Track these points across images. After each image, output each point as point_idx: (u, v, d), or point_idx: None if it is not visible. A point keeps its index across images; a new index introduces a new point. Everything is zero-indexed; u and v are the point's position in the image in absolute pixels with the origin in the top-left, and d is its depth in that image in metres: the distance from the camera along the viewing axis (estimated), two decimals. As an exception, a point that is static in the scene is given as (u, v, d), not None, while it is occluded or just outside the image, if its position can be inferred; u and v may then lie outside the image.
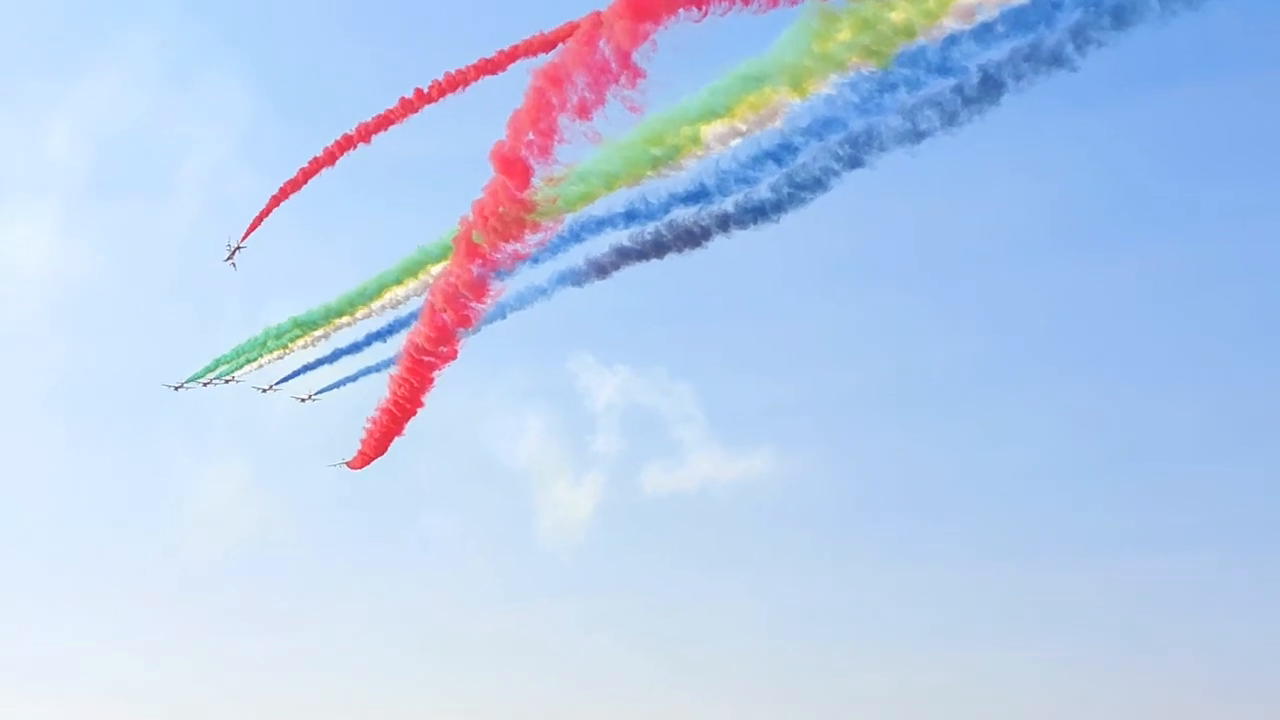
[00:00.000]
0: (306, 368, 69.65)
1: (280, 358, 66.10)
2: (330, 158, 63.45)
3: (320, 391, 78.22)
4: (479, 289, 49.16)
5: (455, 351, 54.14)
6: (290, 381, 78.63)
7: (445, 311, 50.39)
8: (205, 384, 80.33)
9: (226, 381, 78.20)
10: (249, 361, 67.04)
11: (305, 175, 68.64)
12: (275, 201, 70.40)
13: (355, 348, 64.51)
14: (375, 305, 60.27)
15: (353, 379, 77.24)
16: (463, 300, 49.79)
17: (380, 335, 63.37)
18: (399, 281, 57.36)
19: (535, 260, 49.56)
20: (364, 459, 67.29)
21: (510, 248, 46.94)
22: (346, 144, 61.76)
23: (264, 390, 77.97)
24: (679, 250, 47.44)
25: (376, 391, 64.12)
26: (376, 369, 68.20)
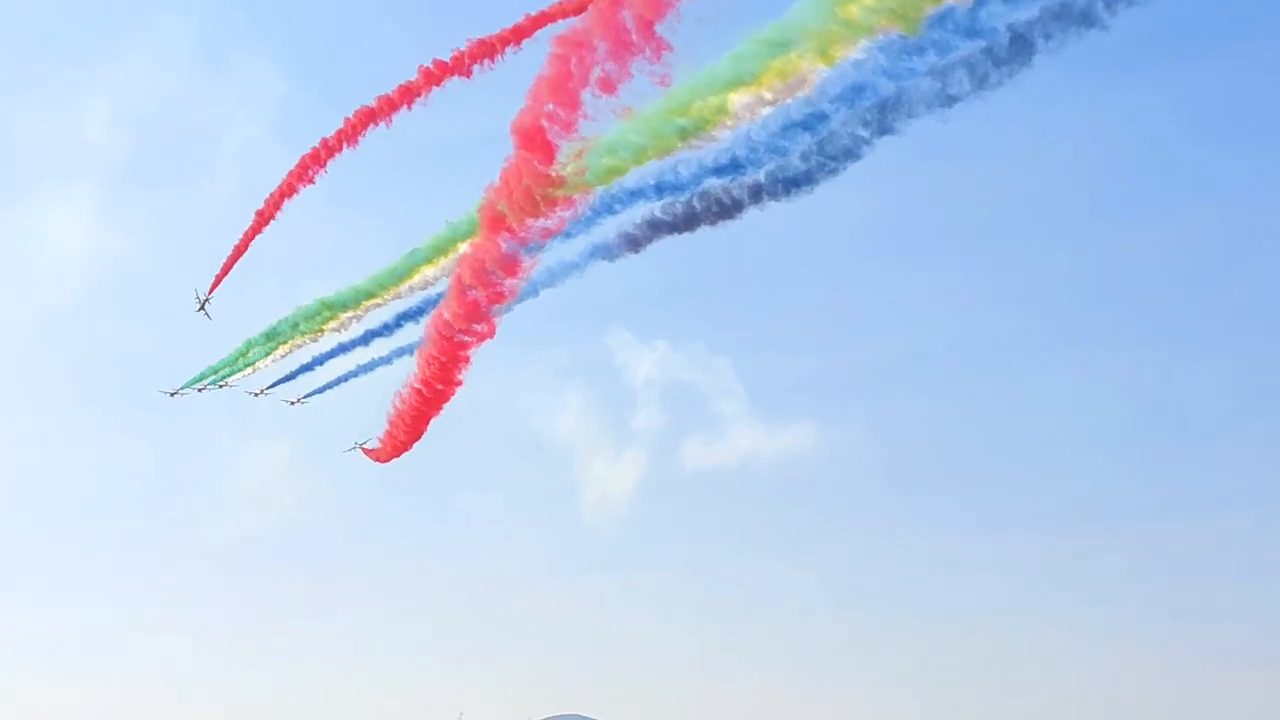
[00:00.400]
0: (304, 368, 68.55)
1: (314, 339, 64.72)
2: (288, 191, 63.23)
3: (309, 395, 79.67)
4: (508, 265, 48.17)
5: (493, 329, 52.72)
6: (280, 386, 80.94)
7: (475, 289, 49.29)
8: (200, 389, 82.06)
9: (220, 386, 79.92)
10: (281, 345, 65.49)
11: (272, 207, 69.25)
12: (246, 242, 72.90)
13: (386, 329, 63.11)
14: (405, 286, 58.82)
15: (343, 379, 78.18)
16: (492, 277, 48.78)
17: (412, 315, 62.01)
18: (429, 260, 55.82)
19: (567, 235, 48.58)
20: (396, 447, 65.35)
21: (538, 223, 46.01)
22: (340, 142, 60.49)
23: (255, 394, 79.66)
24: (711, 222, 46.51)
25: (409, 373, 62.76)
26: (369, 367, 67.05)
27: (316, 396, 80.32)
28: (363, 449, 72.24)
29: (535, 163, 43.48)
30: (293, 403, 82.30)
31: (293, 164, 60.65)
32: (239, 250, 72.13)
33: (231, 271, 79.61)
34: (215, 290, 75.22)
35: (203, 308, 75.63)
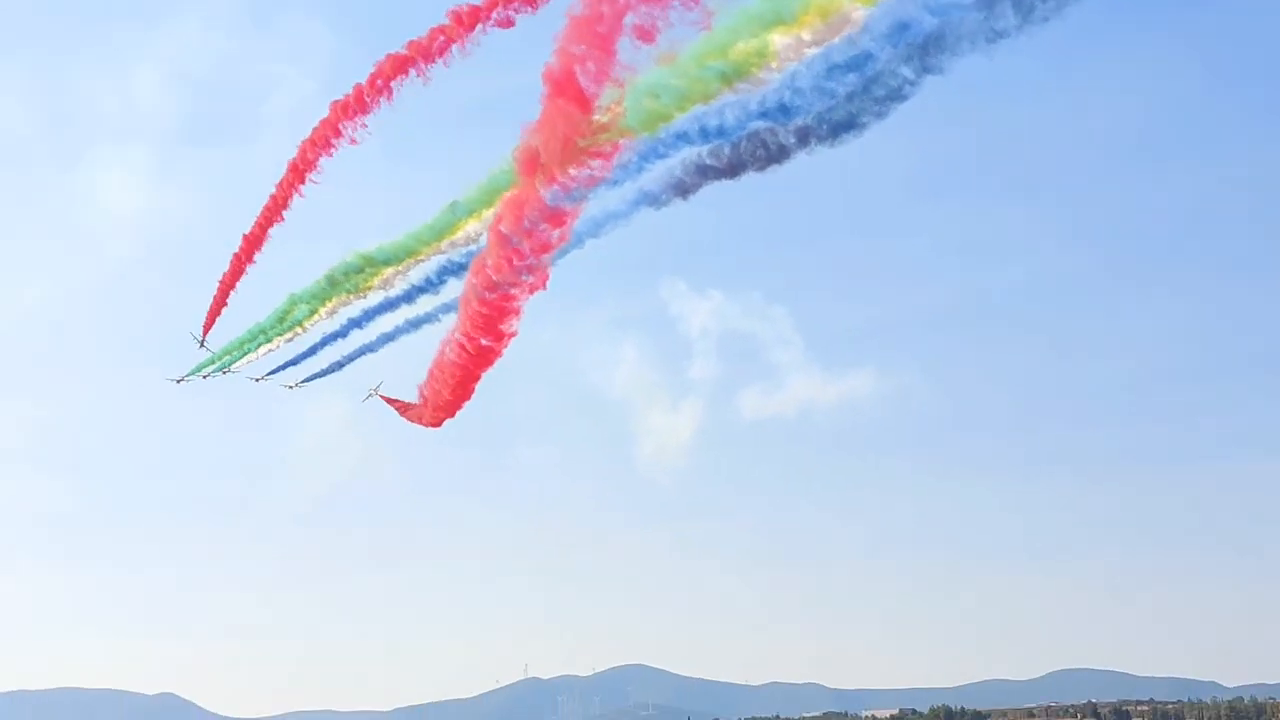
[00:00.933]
0: (353, 323, 67.38)
1: (361, 297, 63.60)
2: (274, 213, 62.63)
3: (306, 380, 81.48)
4: (550, 215, 47.34)
5: (543, 279, 51.70)
6: (280, 373, 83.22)
7: (517, 239, 48.37)
8: (204, 376, 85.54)
9: (224, 373, 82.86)
10: (325, 303, 64.39)
11: (250, 246, 69.02)
12: (229, 284, 74.53)
13: (430, 285, 61.71)
14: (447, 241, 57.46)
15: (339, 366, 78.95)
16: (534, 227, 47.92)
17: (455, 270, 60.53)
18: (472, 213, 54.64)
19: (613, 183, 47.70)
20: (443, 408, 64.34)
21: (579, 171, 45.19)
22: (373, 93, 59.21)
23: (257, 380, 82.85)
24: (760, 168, 45.74)
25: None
26: (416, 324, 65.96)
27: (317, 380, 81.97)
28: (382, 397, 72.12)
29: (571, 110, 42.73)
30: (291, 387, 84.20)
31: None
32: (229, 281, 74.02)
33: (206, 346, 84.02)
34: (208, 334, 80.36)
35: (204, 345, 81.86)
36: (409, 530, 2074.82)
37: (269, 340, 69.85)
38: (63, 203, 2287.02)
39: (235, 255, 67.75)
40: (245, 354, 71.82)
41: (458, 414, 64.62)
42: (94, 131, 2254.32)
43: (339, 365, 79.21)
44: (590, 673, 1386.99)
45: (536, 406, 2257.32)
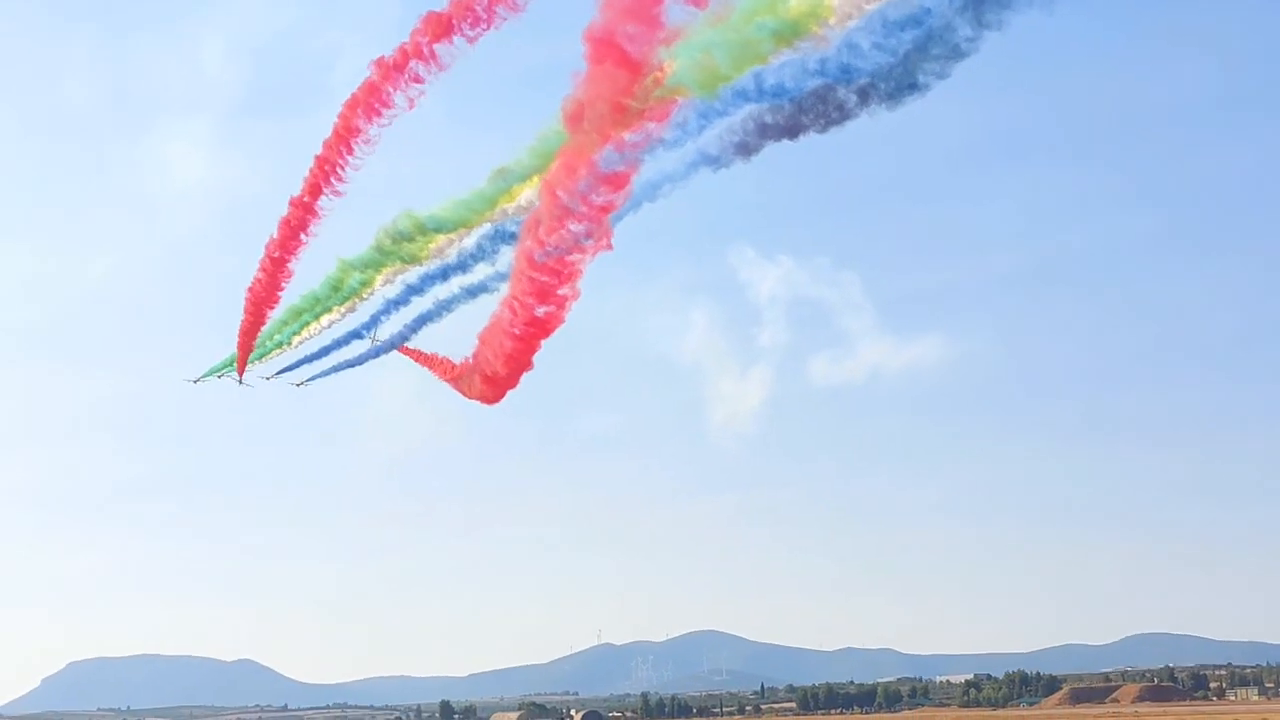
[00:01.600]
0: (411, 289, 64.82)
1: (417, 265, 61.18)
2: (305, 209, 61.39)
3: (312, 379, 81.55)
4: (604, 178, 45.79)
5: (606, 241, 49.65)
6: (289, 373, 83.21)
7: (574, 203, 46.77)
8: (220, 377, 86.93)
9: (236, 379, 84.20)
10: (379, 271, 62.13)
11: (300, 215, 67.70)
12: (248, 337, 74.34)
13: (484, 253, 59.65)
14: (498, 209, 55.42)
15: (351, 365, 78.02)
16: (589, 191, 46.35)
17: (507, 238, 58.34)
18: (525, 179, 52.76)
19: (669, 144, 46.11)
20: (500, 383, 61.59)
21: (631, 133, 43.71)
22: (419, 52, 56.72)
23: (268, 379, 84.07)
24: (821, 129, 44.15)
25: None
26: (473, 292, 63.27)
27: (322, 379, 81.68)
28: (416, 356, 70.24)
29: (617, 72, 41.34)
30: (299, 385, 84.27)
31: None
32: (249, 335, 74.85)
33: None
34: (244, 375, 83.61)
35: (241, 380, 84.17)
36: (482, 499, 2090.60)
37: (328, 310, 67.69)
38: (129, 175, 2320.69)
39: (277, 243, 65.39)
40: (304, 324, 69.69)
41: (516, 386, 61.64)
42: (159, 104, 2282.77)
43: (350, 364, 78.50)
44: (664, 639, 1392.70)
45: (605, 375, 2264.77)
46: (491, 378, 60.08)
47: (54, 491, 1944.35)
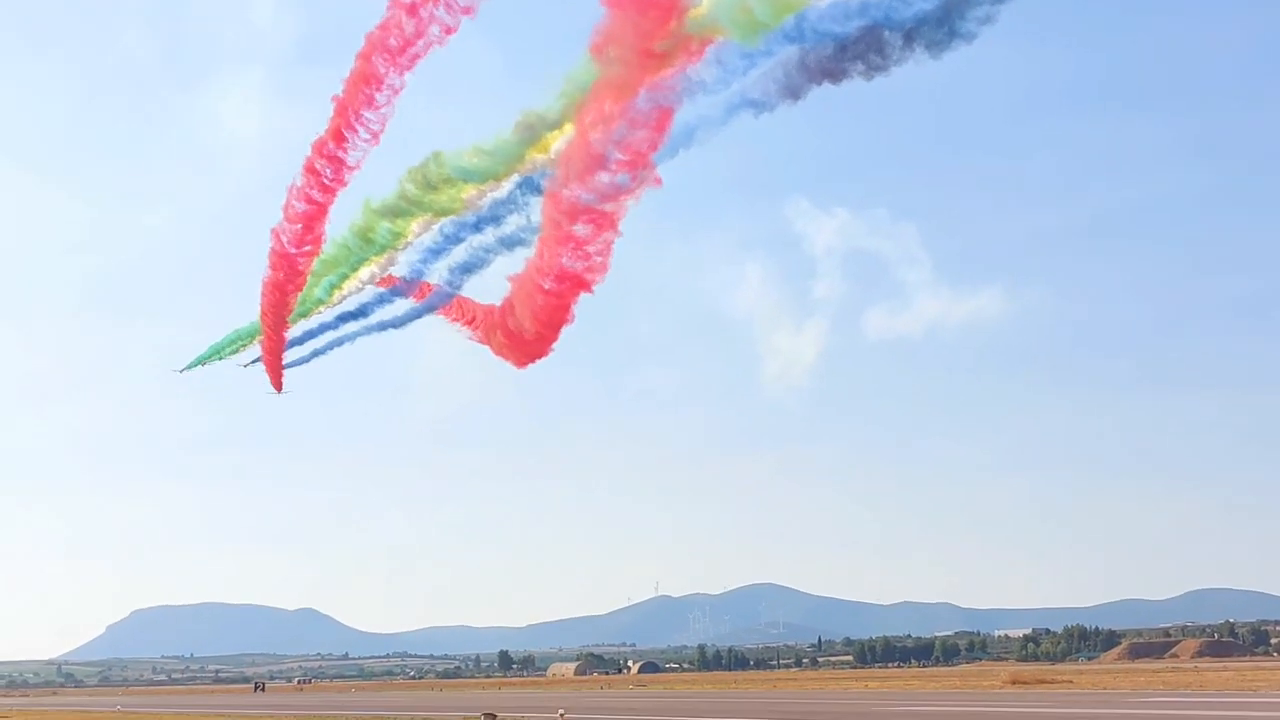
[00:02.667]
0: (448, 240, 61.01)
1: (453, 217, 58.21)
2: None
3: (289, 366, 78.73)
4: (638, 121, 44.37)
5: (653, 177, 47.47)
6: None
7: (606, 149, 45.30)
8: (205, 365, 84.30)
9: (221, 358, 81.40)
10: (412, 219, 59.19)
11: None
12: (275, 345, 70.81)
13: (514, 205, 56.73)
14: (528, 157, 52.71)
15: (322, 351, 75.31)
16: (623, 137, 44.94)
17: (535, 188, 55.51)
18: (554, 125, 50.52)
19: (706, 88, 44.64)
20: (529, 345, 56.25)
21: (665, 76, 42.33)
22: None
23: (245, 366, 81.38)
24: (867, 75, 42.57)
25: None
26: (510, 242, 59.45)
27: (298, 366, 79.19)
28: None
29: (645, 13, 39.96)
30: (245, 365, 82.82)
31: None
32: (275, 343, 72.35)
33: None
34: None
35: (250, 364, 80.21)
36: (539, 453, 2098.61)
37: (364, 262, 63.93)
38: (184, 127, 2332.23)
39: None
40: (344, 277, 65.87)
41: (550, 349, 57.88)
42: (213, 56, 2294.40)
43: (324, 350, 75.85)
44: (721, 591, 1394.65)
45: (660, 328, 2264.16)
46: (520, 339, 56.95)
47: (118, 444, 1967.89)
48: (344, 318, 68.42)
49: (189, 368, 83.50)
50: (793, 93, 43.44)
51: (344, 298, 66.41)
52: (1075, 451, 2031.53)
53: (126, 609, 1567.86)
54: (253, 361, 77.76)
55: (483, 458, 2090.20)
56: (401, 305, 66.64)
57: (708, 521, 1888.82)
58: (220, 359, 79.65)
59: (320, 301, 66.55)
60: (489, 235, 56.86)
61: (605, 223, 47.64)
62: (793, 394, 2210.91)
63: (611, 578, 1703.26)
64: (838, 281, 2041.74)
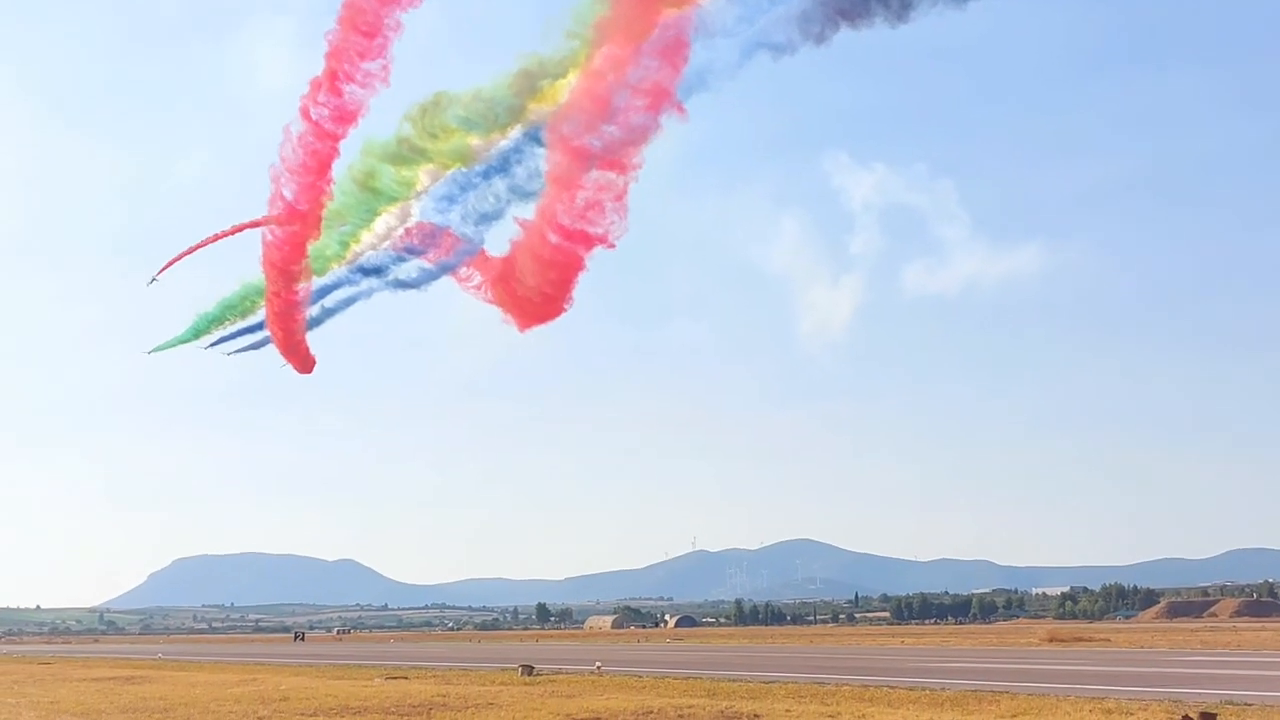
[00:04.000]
0: (464, 188, 55.03)
1: (463, 167, 53.00)
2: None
3: (241, 350, 73.99)
4: (652, 58, 42.55)
5: (674, 104, 44.28)
6: (231, 341, 74.28)
7: (619, 87, 43.25)
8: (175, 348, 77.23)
9: (196, 338, 74.32)
10: (421, 165, 54.32)
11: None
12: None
13: (521, 155, 51.62)
14: (532, 107, 48.69)
15: (335, 310, 68.98)
16: (634, 78, 42.89)
17: (537, 139, 50.63)
18: (555, 75, 47.06)
19: (722, 32, 42.85)
20: (535, 308, 51.20)
21: (676, 15, 40.86)
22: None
23: (205, 348, 75.03)
24: (889, 19, 41.25)
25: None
26: (526, 194, 53.69)
27: (250, 351, 74.00)
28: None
29: None
30: (229, 354, 77.17)
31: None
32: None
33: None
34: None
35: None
36: (572, 405, 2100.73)
37: (375, 214, 58.25)
38: (215, 76, 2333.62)
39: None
40: (358, 229, 59.84)
41: (561, 310, 51.38)
42: (244, 4, 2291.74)
43: (339, 309, 69.35)
44: (758, 546, 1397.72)
45: (693, 282, 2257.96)
46: (527, 300, 51.53)
47: (159, 394, 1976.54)
48: (362, 272, 62.59)
49: (160, 349, 77.03)
50: (813, 35, 41.88)
51: (359, 254, 60.46)
52: (1116, 410, 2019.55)
53: (168, 558, 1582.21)
54: (246, 348, 72.16)
55: (522, 411, 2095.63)
56: (421, 263, 60.97)
57: (745, 477, 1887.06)
58: (198, 337, 73.05)
59: (335, 258, 60.76)
60: (500, 185, 51.70)
61: (620, 168, 44.53)
62: (828, 350, 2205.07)
63: (648, 532, 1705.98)
64: (875, 237, 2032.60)
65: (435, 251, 58.77)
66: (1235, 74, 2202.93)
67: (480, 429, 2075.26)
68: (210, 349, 75.23)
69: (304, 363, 70.04)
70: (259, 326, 70.96)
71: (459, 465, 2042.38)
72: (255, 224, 59.98)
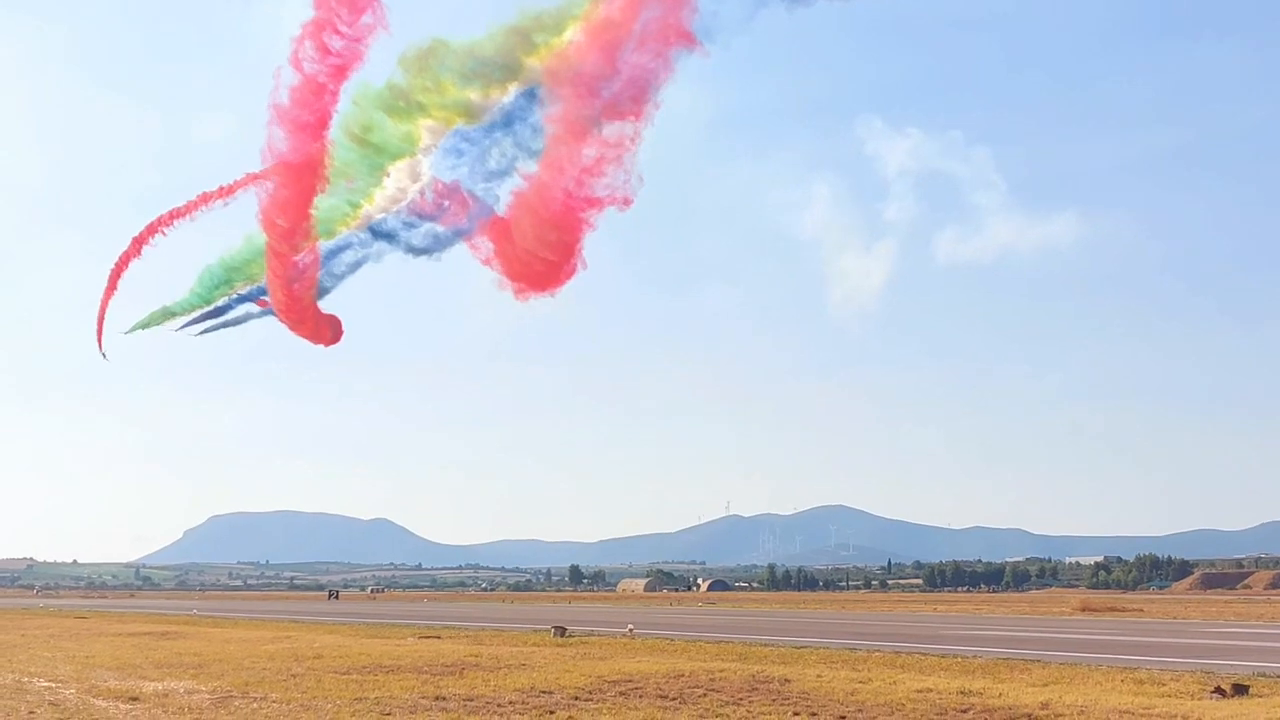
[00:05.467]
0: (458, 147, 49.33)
1: (466, 124, 47.39)
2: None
3: (206, 330, 67.31)
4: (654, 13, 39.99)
5: (691, 43, 40.78)
6: (194, 325, 67.33)
7: (621, 50, 40.74)
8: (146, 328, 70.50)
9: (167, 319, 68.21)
10: (424, 119, 48.76)
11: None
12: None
13: (522, 113, 46.55)
14: (528, 69, 44.54)
15: (238, 322, 64.33)
16: (641, 32, 40.33)
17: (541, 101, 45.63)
18: (558, 32, 43.46)
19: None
20: (543, 273, 46.49)
21: None
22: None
23: (175, 330, 68.51)
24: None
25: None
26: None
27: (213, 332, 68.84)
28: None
29: None
30: (195, 335, 70.73)
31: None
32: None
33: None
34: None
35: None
36: (604, 369, 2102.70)
37: (384, 170, 51.62)
38: (241, 36, 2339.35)
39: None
40: (369, 187, 52.67)
41: (562, 282, 46.88)
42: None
43: (239, 319, 64.34)
44: (791, 512, 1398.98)
45: (725, 248, 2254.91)
46: (528, 267, 46.81)
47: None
48: (374, 235, 54.99)
49: (135, 329, 70.65)
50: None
51: (371, 216, 52.64)
52: (1151, 380, 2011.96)
53: (204, 515, 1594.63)
54: (217, 324, 65.53)
55: (550, 374, 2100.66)
56: (436, 228, 53.58)
57: (779, 442, 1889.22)
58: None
59: (344, 220, 52.96)
60: (507, 142, 45.92)
61: (631, 115, 40.62)
62: (860, 317, 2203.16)
63: (682, 496, 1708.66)
64: (909, 203, 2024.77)
65: (449, 215, 53.20)
66: (1277, 45, 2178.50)
67: (514, 392, 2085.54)
68: (181, 330, 66.26)
69: (317, 332, 60.43)
70: (251, 297, 63.96)
71: (493, 428, 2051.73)
72: (251, 179, 54.07)
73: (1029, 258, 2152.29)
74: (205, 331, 65.83)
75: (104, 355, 63.87)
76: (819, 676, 27.94)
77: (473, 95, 44.61)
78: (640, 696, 24.64)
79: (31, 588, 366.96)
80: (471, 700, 24.31)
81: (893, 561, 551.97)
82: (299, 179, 48.91)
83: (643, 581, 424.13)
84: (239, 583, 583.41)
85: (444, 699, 24.54)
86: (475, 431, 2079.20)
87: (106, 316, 63.30)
